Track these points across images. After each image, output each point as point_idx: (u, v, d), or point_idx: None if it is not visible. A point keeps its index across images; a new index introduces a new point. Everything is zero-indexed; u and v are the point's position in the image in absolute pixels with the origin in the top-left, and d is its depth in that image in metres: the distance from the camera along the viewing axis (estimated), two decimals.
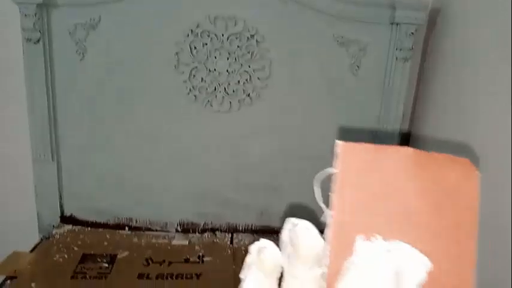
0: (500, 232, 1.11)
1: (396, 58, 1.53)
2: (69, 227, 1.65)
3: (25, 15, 1.45)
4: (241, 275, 0.71)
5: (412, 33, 1.49)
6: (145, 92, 1.58)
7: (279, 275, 0.70)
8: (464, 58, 1.39)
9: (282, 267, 0.70)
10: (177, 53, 1.53)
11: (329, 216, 0.63)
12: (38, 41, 1.49)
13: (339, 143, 0.65)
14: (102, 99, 1.58)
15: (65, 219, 1.68)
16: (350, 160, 0.64)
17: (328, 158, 1.63)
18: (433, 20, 1.57)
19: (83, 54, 1.53)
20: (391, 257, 0.61)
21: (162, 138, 1.63)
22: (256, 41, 1.52)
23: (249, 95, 1.58)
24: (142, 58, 1.54)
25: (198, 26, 1.51)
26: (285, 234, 0.70)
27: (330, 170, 0.66)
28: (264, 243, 0.72)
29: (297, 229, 0.69)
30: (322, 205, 0.64)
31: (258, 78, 1.56)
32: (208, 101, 1.58)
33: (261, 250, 0.71)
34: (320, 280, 0.64)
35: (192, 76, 1.55)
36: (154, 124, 1.61)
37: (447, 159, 0.65)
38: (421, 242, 0.61)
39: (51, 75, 1.54)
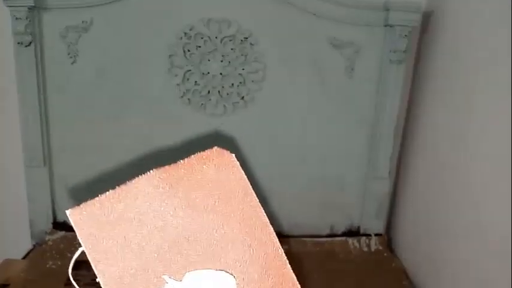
0: (500, 232, 1.11)
1: (390, 60, 1.52)
2: (62, 233, 1.62)
3: (16, 18, 1.43)
4: None
5: (405, 35, 1.48)
6: (138, 95, 1.56)
7: None
8: (457, 60, 1.39)
9: None
10: (170, 56, 1.52)
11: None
12: (30, 44, 1.47)
13: (69, 213, 0.56)
14: (94, 104, 1.56)
15: (58, 225, 1.65)
16: (88, 224, 0.55)
17: (323, 160, 1.65)
18: (427, 22, 1.57)
19: (74, 57, 1.52)
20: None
21: (156, 142, 1.61)
22: (250, 43, 1.52)
23: (243, 98, 1.57)
24: (135, 61, 1.53)
25: (191, 29, 1.50)
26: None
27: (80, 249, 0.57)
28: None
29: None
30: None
31: (252, 81, 1.55)
32: (202, 104, 1.57)
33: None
34: None
35: (186, 79, 1.54)
36: (147, 128, 1.59)
37: (198, 160, 0.60)
38: (226, 255, 0.56)
39: (43, 78, 1.52)
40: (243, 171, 0.60)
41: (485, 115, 1.23)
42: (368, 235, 1.72)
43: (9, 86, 1.55)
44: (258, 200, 0.60)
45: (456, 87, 1.39)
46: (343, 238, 1.72)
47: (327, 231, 1.74)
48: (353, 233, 1.74)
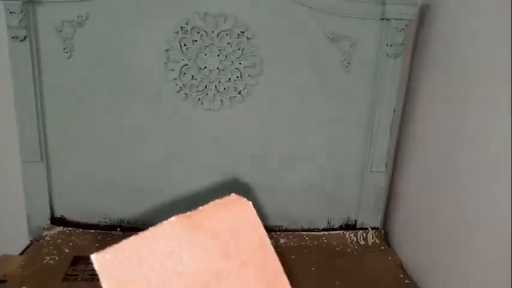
0: (499, 224, 1.11)
1: (387, 54, 1.52)
2: (60, 228, 1.62)
3: (10, 12, 1.42)
4: None
5: (402, 28, 1.48)
6: (135, 90, 1.55)
7: None
8: (454, 53, 1.39)
9: None
10: (166, 51, 1.51)
11: None
12: (25, 38, 1.46)
13: (94, 259, 0.54)
14: (91, 98, 1.55)
15: (56, 220, 1.65)
16: (112, 269, 0.55)
17: (319, 155, 1.64)
18: (424, 15, 1.57)
19: (70, 51, 1.50)
20: None
21: (153, 137, 1.61)
22: (247, 37, 1.51)
23: (240, 92, 1.56)
24: (132, 56, 1.52)
25: (187, 23, 1.49)
26: None
27: None
28: None
29: None
30: None
31: (249, 75, 1.55)
32: (199, 99, 1.56)
33: None
34: None
35: (183, 74, 1.53)
36: (144, 123, 1.59)
37: (216, 207, 0.62)
38: None
39: (39, 73, 1.51)
40: (259, 219, 0.62)
41: (483, 109, 1.23)
42: (365, 229, 1.72)
43: (4, 81, 1.54)
44: (273, 248, 0.62)
45: (453, 80, 1.39)
46: (340, 232, 1.72)
47: (323, 225, 1.74)
48: (350, 226, 1.75)
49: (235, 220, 0.61)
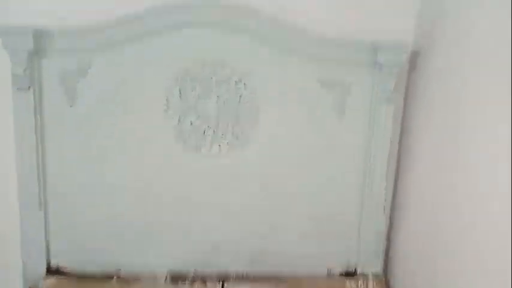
0: (501, 271, 1.10)
1: (379, 99, 1.56)
2: (56, 278, 1.59)
3: (15, 62, 1.47)
4: None
5: (394, 74, 1.53)
6: (133, 136, 1.58)
7: None
8: (445, 97, 1.43)
9: None
10: (166, 98, 1.55)
11: None
12: (29, 88, 1.50)
13: None
14: (91, 145, 1.58)
15: (52, 270, 1.62)
16: None
17: (317, 199, 1.64)
18: (415, 60, 1.62)
19: (73, 99, 1.54)
20: None
21: (150, 185, 1.62)
22: (244, 84, 1.56)
23: (237, 138, 1.59)
24: (133, 103, 1.56)
25: (187, 71, 1.54)
26: None
27: None
28: None
29: None
30: None
31: (247, 121, 1.58)
32: (197, 145, 1.59)
33: None
34: None
35: (181, 120, 1.57)
36: (142, 170, 1.61)
37: None
38: None
39: (41, 122, 1.55)
40: None
41: (474, 150, 1.25)
42: (366, 275, 1.69)
43: (5, 129, 1.57)
44: None
45: (447, 122, 1.42)
46: (341, 278, 1.69)
47: (324, 272, 1.71)
48: (350, 273, 1.72)
49: None
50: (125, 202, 1.62)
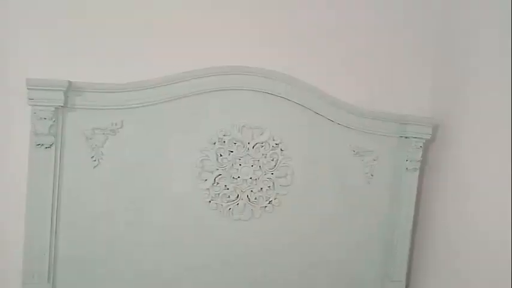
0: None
1: (406, 168, 1.65)
2: None
3: (40, 118, 1.30)
4: None
5: (420, 146, 1.63)
6: (163, 199, 1.48)
7: None
8: (458, 166, 1.56)
9: None
10: (202, 160, 1.48)
11: None
12: (51, 145, 1.33)
13: None
14: (113, 210, 1.44)
15: None
16: None
17: (342, 261, 1.65)
18: (434, 134, 1.72)
19: (98, 160, 1.40)
20: None
21: (178, 248, 1.51)
22: (281, 149, 1.54)
23: (270, 202, 1.56)
24: (164, 165, 1.47)
25: (224, 134, 1.49)
26: None
27: None
28: None
29: None
30: None
31: (280, 185, 1.56)
32: (230, 209, 1.53)
33: None
34: None
35: (216, 183, 1.50)
36: (166, 237, 1.50)
37: None
38: None
39: (59, 183, 1.38)
40: None
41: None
42: None
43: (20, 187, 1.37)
44: None
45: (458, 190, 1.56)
46: None
47: None
48: None
49: None
50: (147, 273, 1.49)
